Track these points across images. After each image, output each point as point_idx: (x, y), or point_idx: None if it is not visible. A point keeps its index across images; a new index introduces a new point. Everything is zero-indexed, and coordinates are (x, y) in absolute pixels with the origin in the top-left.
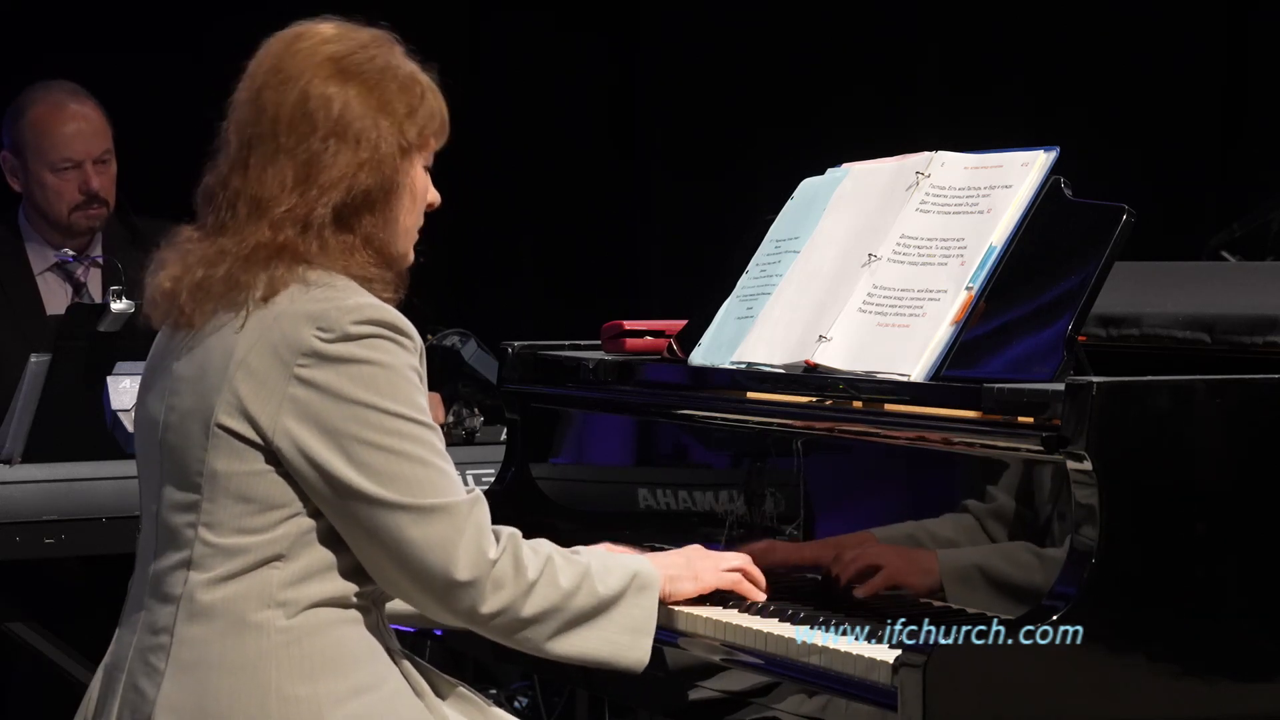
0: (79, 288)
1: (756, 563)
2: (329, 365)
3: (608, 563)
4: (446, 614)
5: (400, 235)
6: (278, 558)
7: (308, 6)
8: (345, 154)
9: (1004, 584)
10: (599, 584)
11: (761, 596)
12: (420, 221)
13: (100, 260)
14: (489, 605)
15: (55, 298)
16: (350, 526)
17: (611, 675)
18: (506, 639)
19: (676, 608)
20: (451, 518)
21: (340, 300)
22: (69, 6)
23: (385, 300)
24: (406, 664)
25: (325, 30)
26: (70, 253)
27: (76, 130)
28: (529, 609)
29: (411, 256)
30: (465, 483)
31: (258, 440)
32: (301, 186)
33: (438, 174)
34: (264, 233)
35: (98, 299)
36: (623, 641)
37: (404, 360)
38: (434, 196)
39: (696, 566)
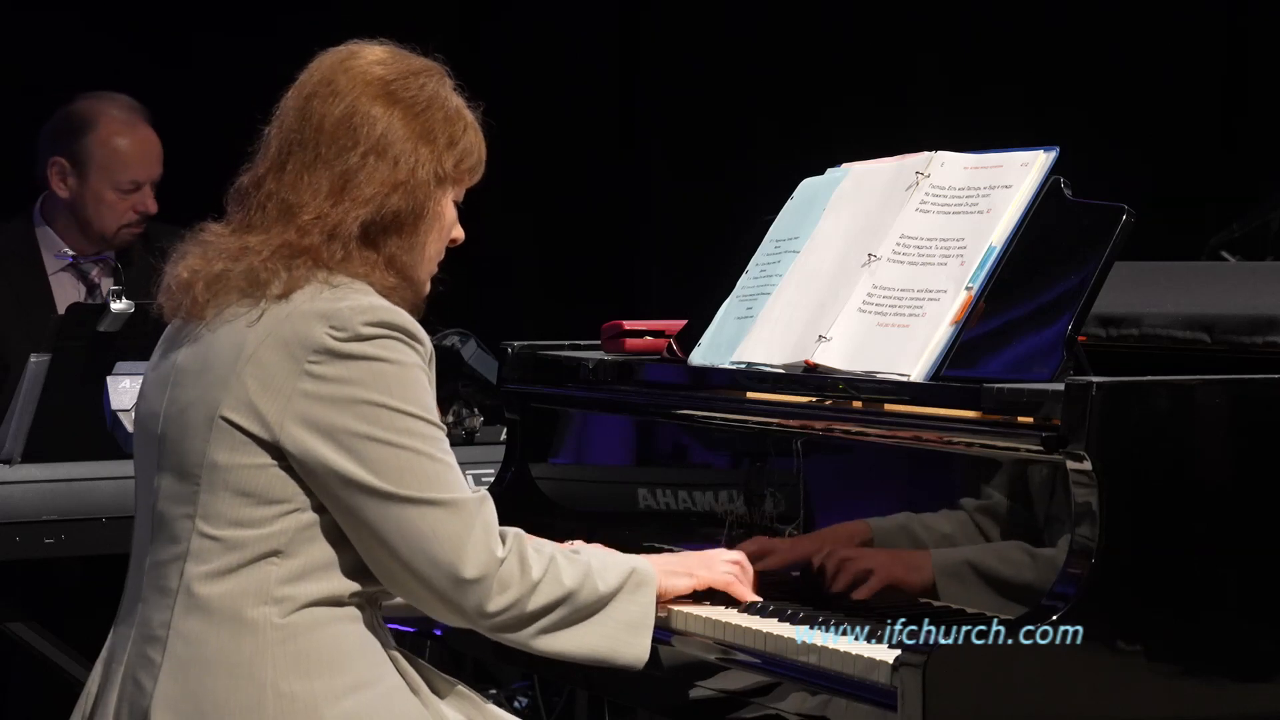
0: (91, 288)
1: (751, 561)
2: (340, 363)
3: (606, 561)
4: (451, 613)
5: (423, 262)
6: (276, 553)
7: (308, 18)
8: (381, 173)
9: (997, 582)
10: (599, 581)
11: (752, 597)
12: (442, 254)
13: (112, 261)
14: (494, 604)
15: (67, 297)
16: (356, 523)
17: (611, 674)
18: (511, 639)
19: (676, 607)
20: (461, 513)
21: (355, 300)
22: (83, 16)
23: None
24: (403, 661)
25: (378, 52)
26: (70, 253)
27: (145, 154)
28: (532, 608)
29: (427, 288)
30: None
31: (264, 435)
32: (334, 197)
33: None
34: (290, 234)
35: None
36: (621, 638)
37: (414, 361)
38: (458, 233)
39: (691, 564)
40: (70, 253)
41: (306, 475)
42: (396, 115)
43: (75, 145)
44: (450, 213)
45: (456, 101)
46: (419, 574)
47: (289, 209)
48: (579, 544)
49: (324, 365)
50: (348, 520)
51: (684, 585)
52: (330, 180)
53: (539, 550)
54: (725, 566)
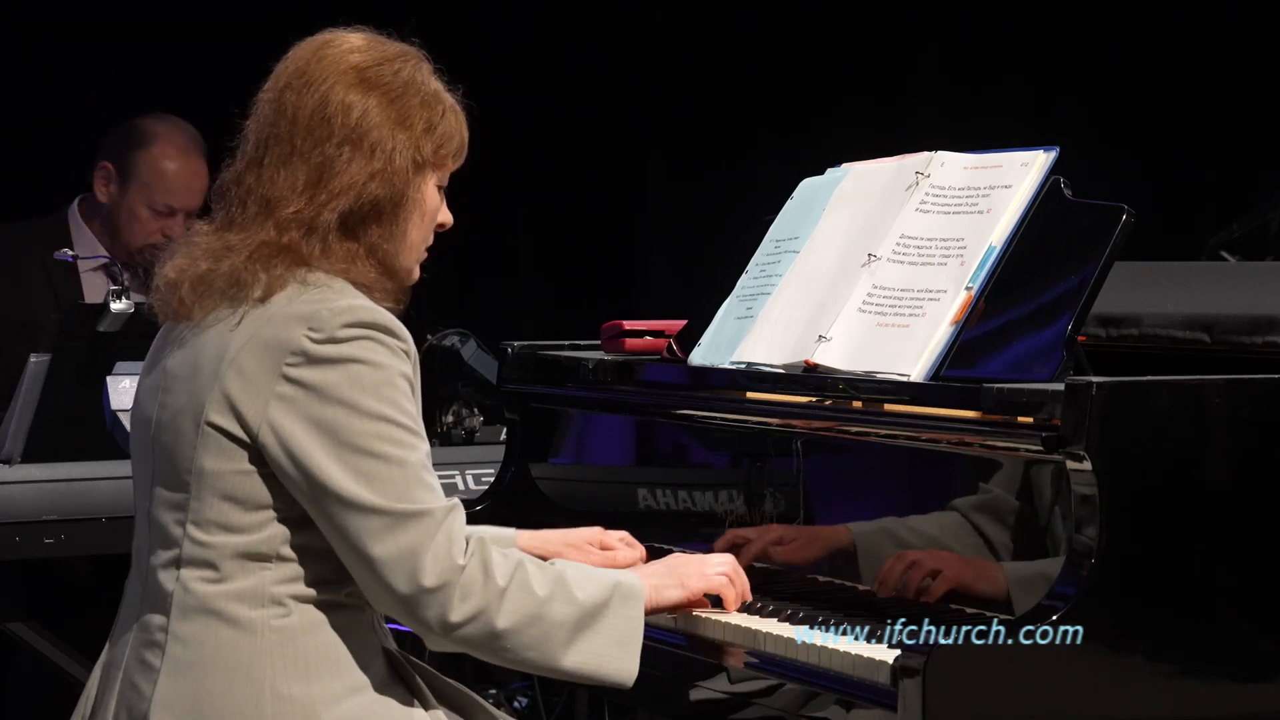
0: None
1: (761, 556)
2: (317, 365)
3: (584, 572)
4: (417, 624)
5: (406, 250)
6: (269, 557)
7: (306, 17)
8: (358, 162)
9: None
10: (576, 590)
11: (735, 608)
12: (429, 240)
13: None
14: (458, 613)
15: (98, 296)
16: (327, 527)
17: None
18: (487, 653)
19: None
20: (424, 524)
21: (333, 301)
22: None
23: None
24: (402, 664)
25: (354, 39)
26: (70, 252)
27: (188, 182)
28: (503, 619)
29: (416, 274)
30: (465, 484)
31: (244, 438)
32: (311, 190)
33: None
34: (269, 232)
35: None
36: (609, 654)
37: (392, 363)
38: (445, 217)
39: (681, 573)
40: (70, 253)
41: (281, 477)
42: (371, 102)
43: (126, 156)
44: (433, 198)
45: (434, 85)
46: (382, 582)
47: (268, 205)
48: (549, 534)
49: (300, 368)
50: (320, 523)
51: (675, 597)
52: (307, 173)
53: (505, 556)
54: (717, 571)
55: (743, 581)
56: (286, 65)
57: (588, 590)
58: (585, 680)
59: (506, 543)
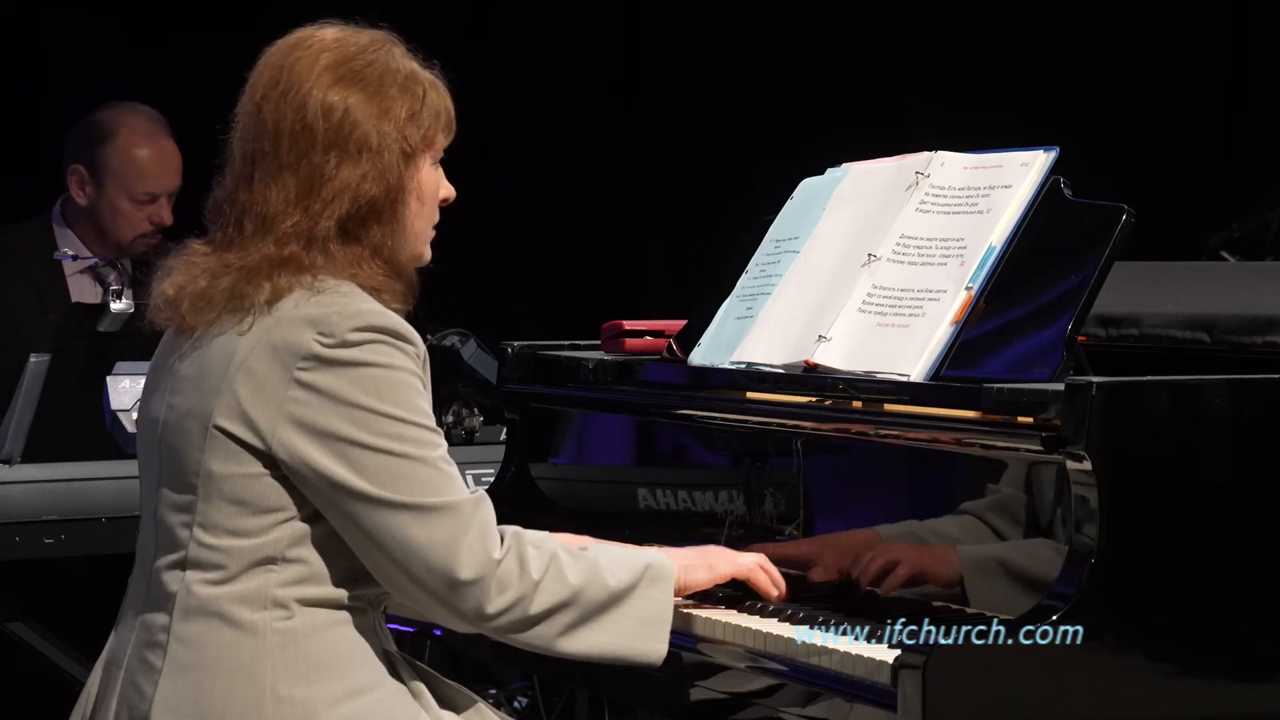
0: (108, 290)
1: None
2: (329, 369)
3: (617, 556)
4: (452, 616)
5: (410, 240)
6: (273, 560)
7: (315, 11)
8: (347, 165)
9: (1022, 577)
10: (609, 577)
11: (774, 593)
12: (435, 218)
13: (128, 264)
14: (494, 605)
15: (84, 298)
16: (351, 529)
17: (610, 674)
18: (515, 640)
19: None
20: (455, 516)
21: (342, 306)
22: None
23: (393, 311)
24: (403, 666)
25: (324, 37)
26: (69, 252)
27: (162, 165)
28: (536, 607)
29: (428, 255)
30: (467, 485)
31: (256, 444)
32: (305, 201)
33: None
34: (269, 248)
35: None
36: (638, 634)
37: (404, 364)
38: (448, 190)
39: (712, 558)
40: (69, 253)
41: (299, 482)
42: (351, 100)
43: (94, 154)
44: (430, 180)
45: (409, 66)
46: (416, 578)
47: (264, 221)
48: (588, 540)
49: (313, 372)
50: (343, 526)
51: (703, 579)
52: (298, 184)
53: (539, 548)
54: (748, 558)
55: (778, 579)
56: (260, 75)
57: (619, 574)
58: (614, 661)
59: None
